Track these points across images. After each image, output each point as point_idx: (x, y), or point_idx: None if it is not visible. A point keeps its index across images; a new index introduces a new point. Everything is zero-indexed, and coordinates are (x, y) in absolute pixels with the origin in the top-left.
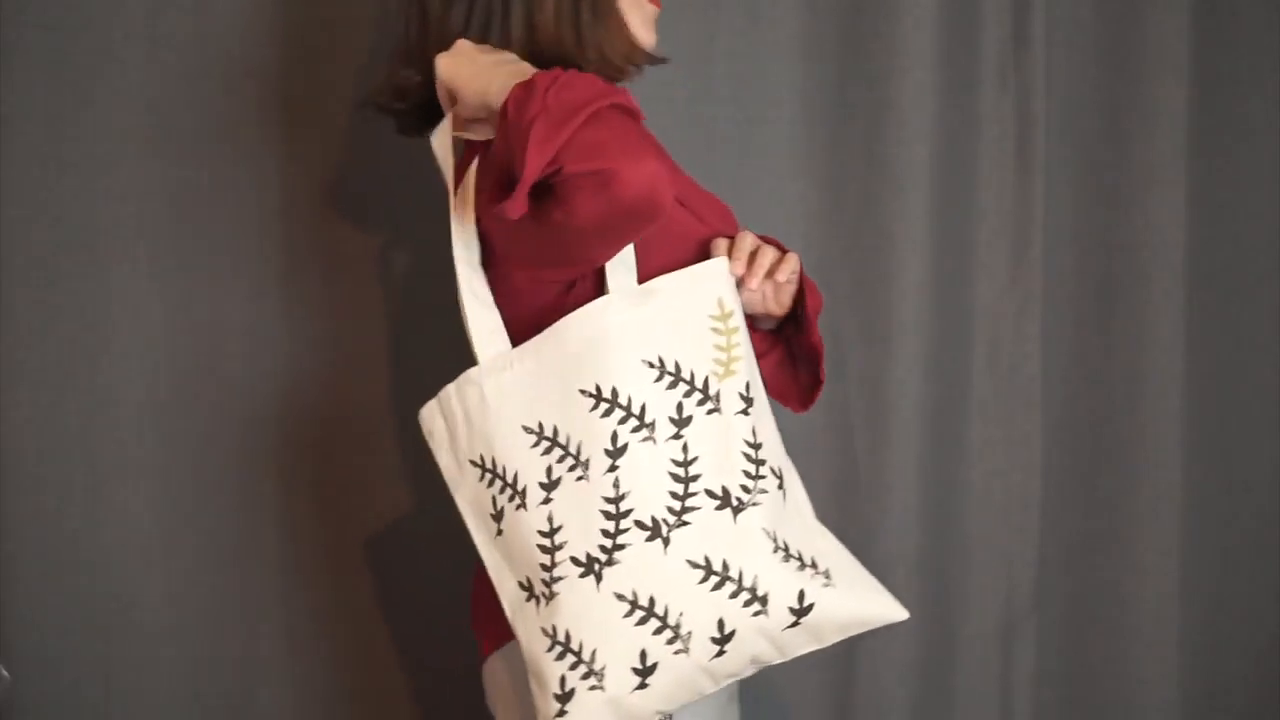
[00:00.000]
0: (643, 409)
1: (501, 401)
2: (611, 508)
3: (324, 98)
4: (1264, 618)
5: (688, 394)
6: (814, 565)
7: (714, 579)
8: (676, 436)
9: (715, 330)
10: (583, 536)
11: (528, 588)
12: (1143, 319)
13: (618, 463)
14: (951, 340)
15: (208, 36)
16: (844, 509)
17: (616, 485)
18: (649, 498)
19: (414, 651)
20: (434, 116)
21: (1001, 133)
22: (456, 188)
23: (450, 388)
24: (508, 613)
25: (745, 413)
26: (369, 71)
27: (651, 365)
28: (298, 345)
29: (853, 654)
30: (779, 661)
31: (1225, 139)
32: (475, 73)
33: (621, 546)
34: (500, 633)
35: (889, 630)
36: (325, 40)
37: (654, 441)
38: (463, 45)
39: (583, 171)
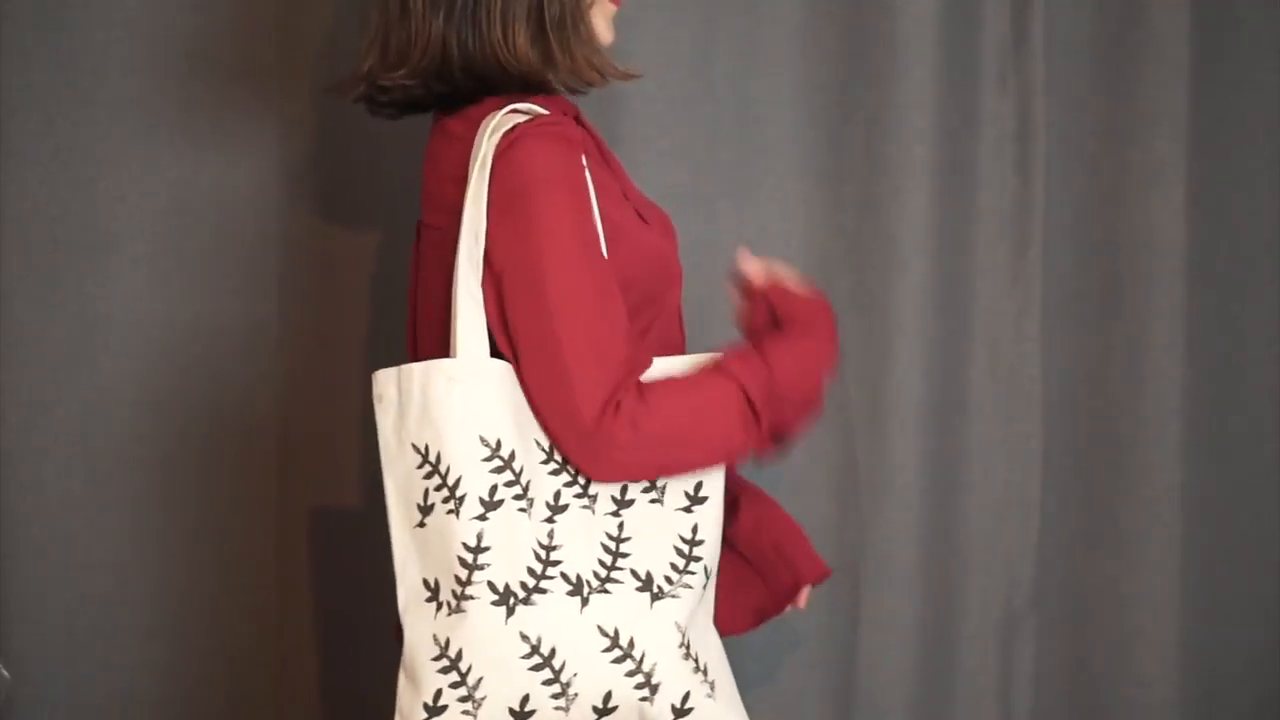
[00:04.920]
0: (588, 483)
1: (467, 404)
2: (543, 552)
3: (323, 97)
4: (1264, 618)
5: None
6: (704, 671)
7: (617, 651)
8: (615, 514)
9: None
10: (508, 566)
11: (433, 589)
12: (1143, 319)
13: (556, 517)
14: (951, 340)
15: (207, 36)
16: (844, 509)
17: (551, 536)
18: (579, 557)
19: None
20: (413, 108)
21: (1001, 133)
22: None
23: (417, 367)
24: (400, 601)
25: (689, 510)
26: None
27: None
28: (297, 345)
29: (853, 654)
30: None
31: (1225, 139)
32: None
33: (543, 591)
34: None
35: (889, 630)
36: (325, 40)
37: (593, 512)
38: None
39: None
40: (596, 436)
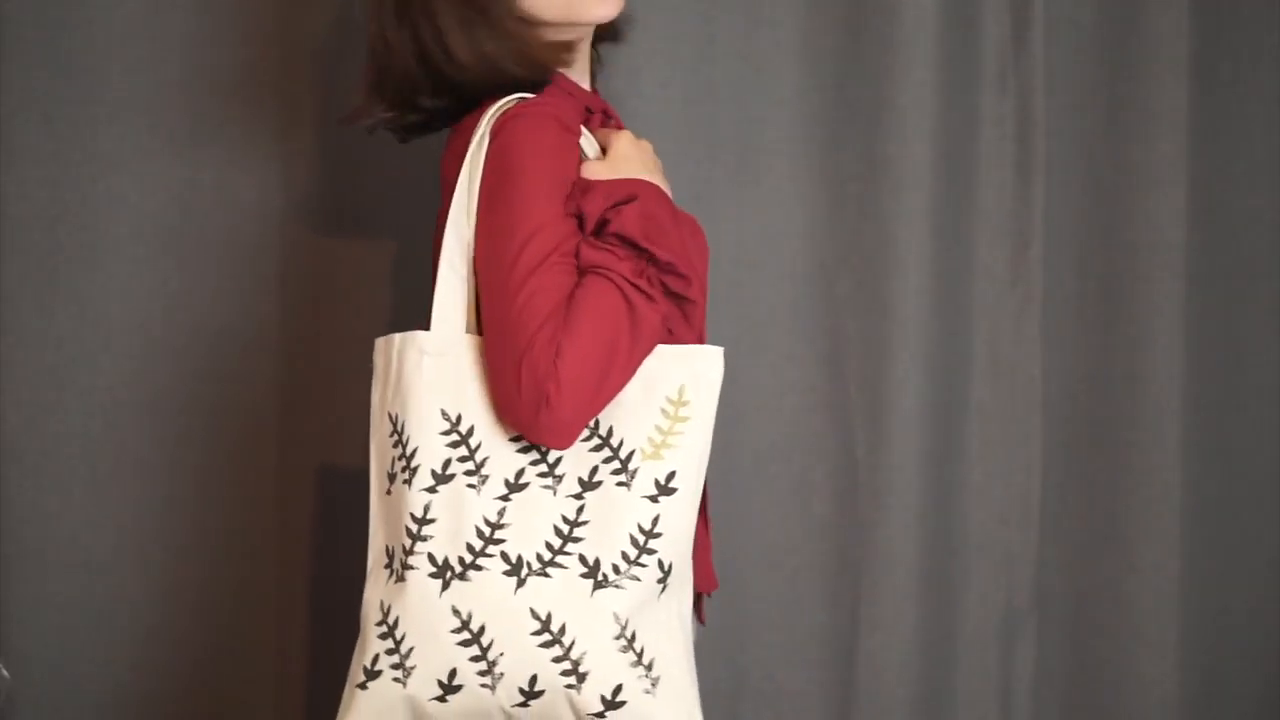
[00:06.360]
0: (558, 460)
1: (434, 377)
2: (487, 530)
3: (324, 98)
4: (1264, 618)
5: (607, 460)
6: (648, 667)
7: (546, 636)
8: (577, 496)
9: (664, 411)
10: (449, 541)
11: (389, 556)
12: (1143, 319)
13: (512, 496)
14: (951, 340)
15: (208, 36)
16: (844, 509)
17: (501, 514)
18: (525, 537)
19: None
20: (447, 118)
21: (1001, 133)
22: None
23: (397, 337)
24: (369, 566)
25: (655, 499)
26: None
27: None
28: (297, 345)
29: (852, 654)
30: None
31: (1225, 139)
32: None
33: (479, 568)
34: None
35: (889, 630)
36: (325, 40)
37: (554, 493)
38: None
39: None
40: (525, 415)
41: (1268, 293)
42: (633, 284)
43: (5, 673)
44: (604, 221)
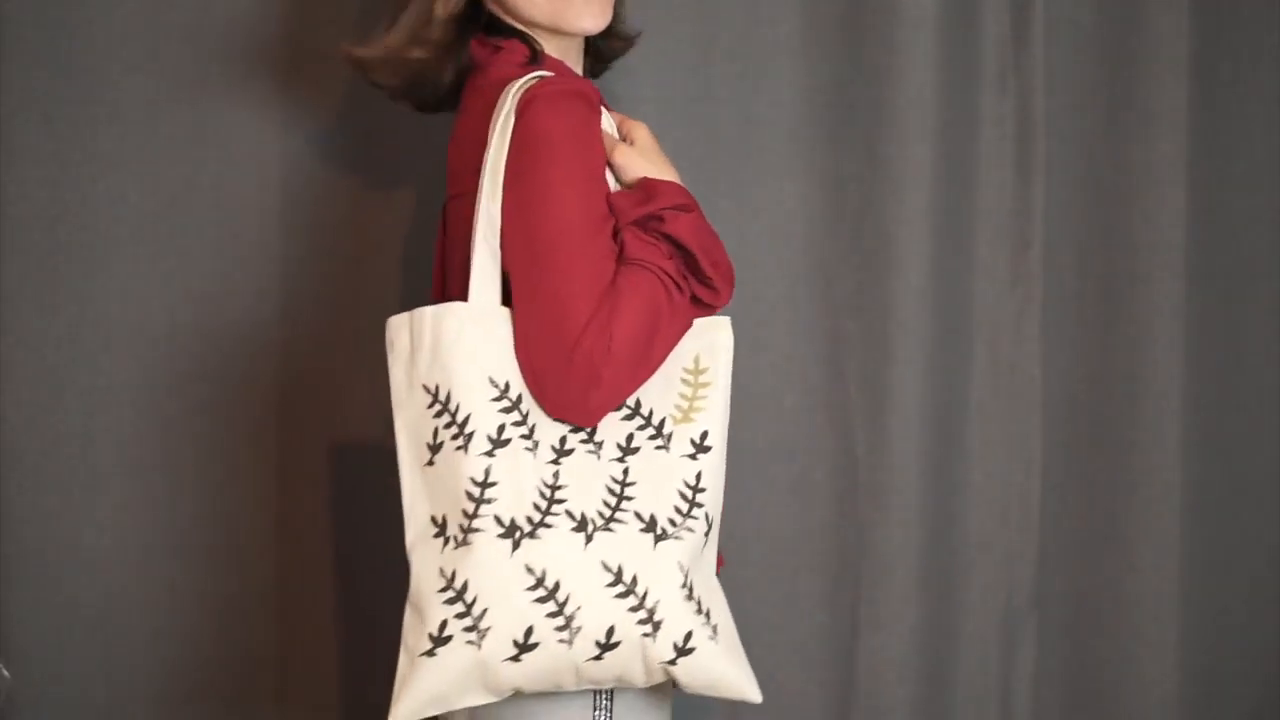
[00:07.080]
0: (594, 430)
1: (476, 346)
2: (548, 490)
3: (324, 97)
4: (1264, 618)
5: (641, 428)
6: (707, 615)
7: (620, 587)
8: (620, 460)
9: (684, 381)
10: (514, 501)
11: (440, 525)
12: (1143, 319)
13: (561, 460)
14: (951, 340)
15: (208, 35)
16: (844, 509)
17: (556, 476)
18: (584, 497)
19: None
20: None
21: (1001, 133)
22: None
23: (428, 310)
24: (409, 540)
25: (693, 457)
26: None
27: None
28: (298, 345)
29: (852, 654)
30: (640, 686)
31: (1225, 139)
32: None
33: (548, 525)
34: None
35: (889, 630)
36: (326, 40)
37: (598, 457)
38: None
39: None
40: (574, 395)
41: (1268, 293)
42: (671, 278)
43: (5, 673)
44: (657, 218)
